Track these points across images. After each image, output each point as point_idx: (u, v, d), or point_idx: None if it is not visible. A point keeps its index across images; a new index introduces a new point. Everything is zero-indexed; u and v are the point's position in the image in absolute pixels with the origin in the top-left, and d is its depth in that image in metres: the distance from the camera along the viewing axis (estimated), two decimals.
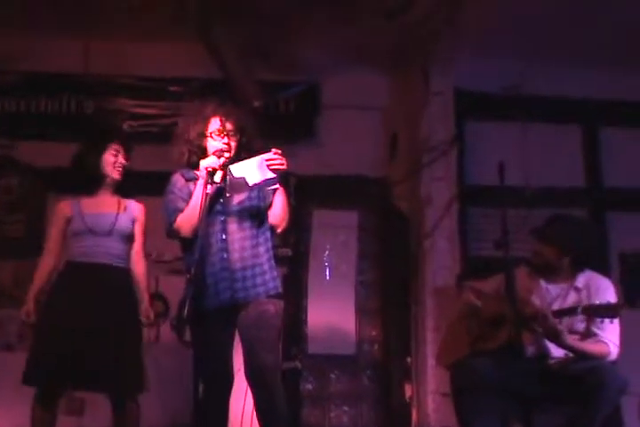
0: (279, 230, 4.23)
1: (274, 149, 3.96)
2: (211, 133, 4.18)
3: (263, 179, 3.95)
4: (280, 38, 6.32)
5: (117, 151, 4.64)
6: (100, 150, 4.63)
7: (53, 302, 4.44)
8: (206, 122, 4.19)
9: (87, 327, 4.33)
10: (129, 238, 4.64)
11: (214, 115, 4.21)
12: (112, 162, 4.62)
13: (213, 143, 4.16)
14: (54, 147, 6.07)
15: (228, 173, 3.99)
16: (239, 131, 4.21)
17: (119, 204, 4.66)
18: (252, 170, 3.95)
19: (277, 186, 4.06)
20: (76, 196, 4.65)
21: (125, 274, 4.61)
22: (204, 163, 4.05)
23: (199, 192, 4.00)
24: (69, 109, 6.47)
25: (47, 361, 4.32)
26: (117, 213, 4.60)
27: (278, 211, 4.14)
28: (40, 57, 6.34)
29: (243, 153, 4.15)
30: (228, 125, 4.18)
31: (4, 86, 6.46)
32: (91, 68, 6.48)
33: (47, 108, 6.47)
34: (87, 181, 4.64)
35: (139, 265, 4.68)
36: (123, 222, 4.60)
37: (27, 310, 4.43)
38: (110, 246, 4.54)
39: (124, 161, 4.66)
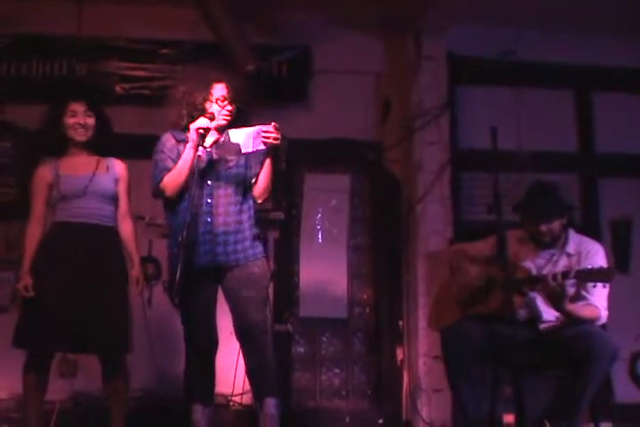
0: (259, 201, 4.31)
1: (273, 123, 4.01)
2: (216, 100, 4.19)
3: (254, 149, 4.02)
4: (273, 1, 6.29)
5: (75, 112, 4.54)
6: (59, 114, 4.55)
7: (40, 264, 4.42)
8: (210, 87, 4.21)
9: (74, 288, 4.34)
10: (112, 199, 4.58)
11: (218, 81, 4.22)
12: (70, 124, 4.53)
13: (216, 108, 4.18)
14: None
15: (226, 135, 4.03)
16: (237, 97, 4.24)
17: (98, 164, 4.58)
18: (249, 138, 4.01)
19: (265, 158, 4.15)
20: (56, 158, 4.58)
21: (112, 233, 4.58)
22: (194, 125, 4.07)
23: (189, 153, 4.03)
24: (61, 72, 6.41)
25: (36, 323, 4.32)
26: (94, 174, 4.52)
27: (262, 185, 4.23)
28: (32, 19, 6.28)
29: (238, 119, 4.21)
30: (230, 92, 4.21)
31: None
32: (83, 30, 6.42)
33: (39, 70, 6.41)
34: (56, 144, 4.59)
35: (125, 225, 4.65)
36: (102, 182, 4.53)
37: (25, 285, 4.34)
38: (93, 207, 4.49)
39: (85, 121, 4.54)
